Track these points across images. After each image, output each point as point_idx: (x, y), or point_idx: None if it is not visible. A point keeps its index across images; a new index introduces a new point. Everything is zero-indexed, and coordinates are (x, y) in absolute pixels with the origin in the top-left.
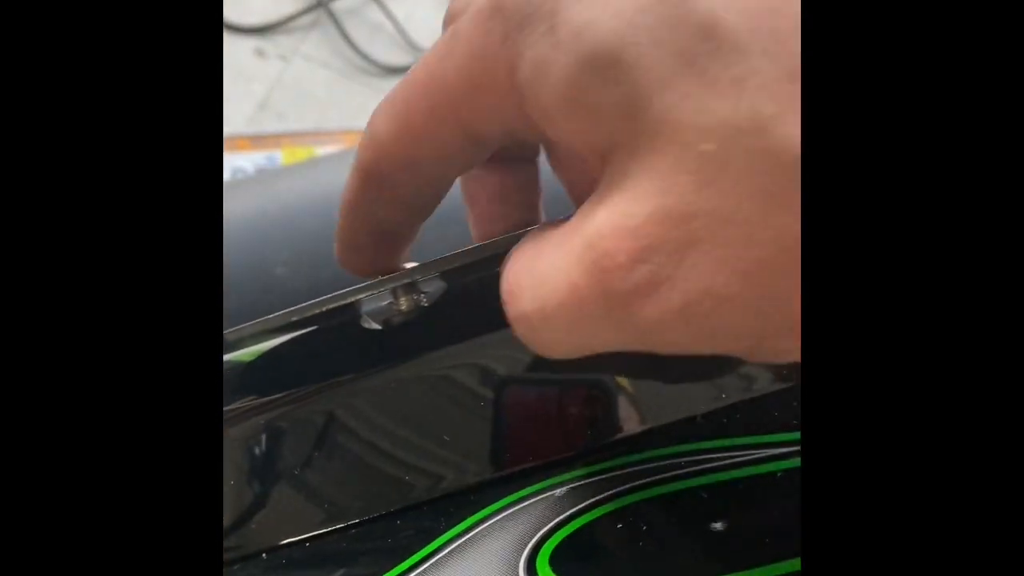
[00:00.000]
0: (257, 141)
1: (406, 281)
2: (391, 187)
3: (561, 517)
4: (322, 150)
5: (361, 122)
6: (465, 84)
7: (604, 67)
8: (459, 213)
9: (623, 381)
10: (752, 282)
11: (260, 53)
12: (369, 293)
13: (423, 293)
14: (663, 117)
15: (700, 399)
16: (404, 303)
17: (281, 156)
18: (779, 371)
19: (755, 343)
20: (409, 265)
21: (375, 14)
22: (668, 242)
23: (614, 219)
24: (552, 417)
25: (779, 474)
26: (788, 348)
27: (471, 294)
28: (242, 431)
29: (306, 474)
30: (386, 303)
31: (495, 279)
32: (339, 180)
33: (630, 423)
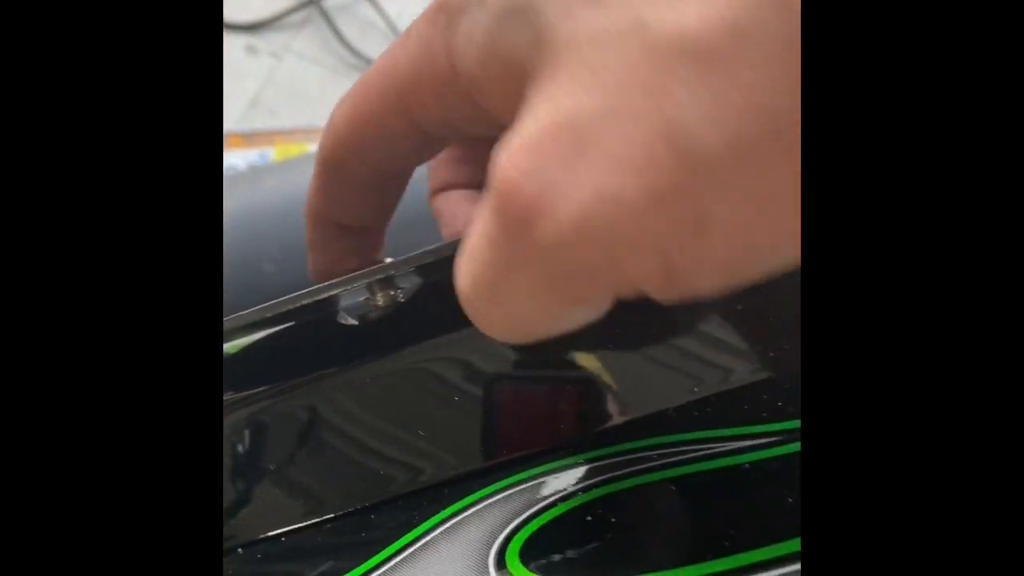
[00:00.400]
0: (249, 138)
1: (382, 276)
2: (348, 179)
3: (532, 511)
4: (314, 147)
5: None
6: (412, 73)
7: (518, 12)
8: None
9: (597, 375)
10: (646, 179)
11: (252, 50)
12: (346, 288)
13: (400, 288)
14: (562, 42)
15: (673, 393)
16: (381, 298)
17: (274, 153)
18: (752, 364)
19: (663, 262)
20: (386, 261)
21: (367, 11)
22: (560, 151)
23: (511, 148)
24: (526, 412)
25: (746, 466)
26: (696, 261)
27: (447, 289)
28: None
29: (282, 469)
30: (363, 298)
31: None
32: None
33: (604, 417)
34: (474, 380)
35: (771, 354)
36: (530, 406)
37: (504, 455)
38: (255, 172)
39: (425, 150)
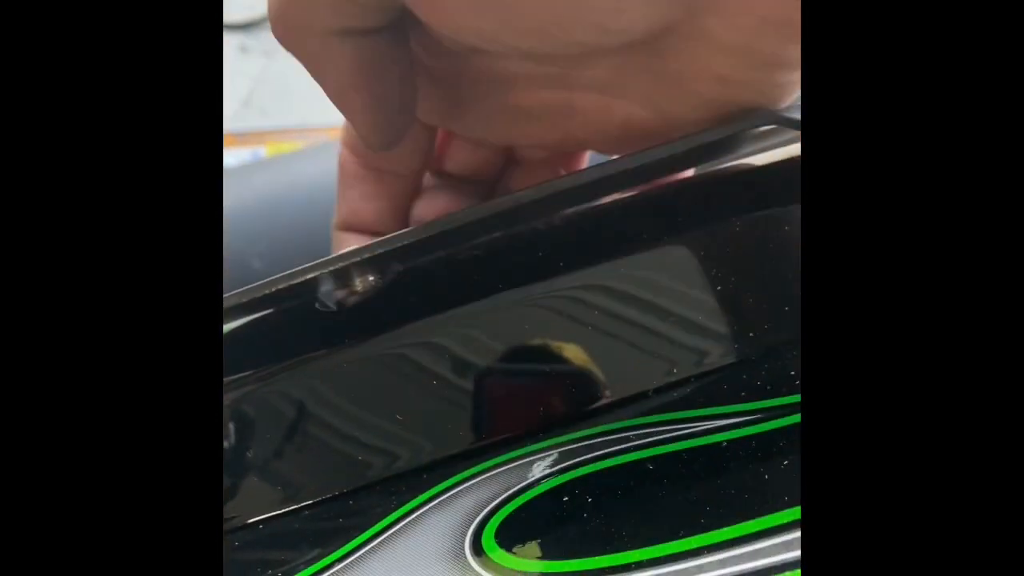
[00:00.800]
0: (242, 138)
1: (359, 259)
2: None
3: (508, 493)
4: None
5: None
6: None
7: None
8: None
9: (574, 360)
10: None
11: (244, 49)
12: (322, 272)
13: (377, 273)
14: None
15: (651, 375)
16: (359, 283)
17: (266, 152)
18: (729, 346)
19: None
20: (362, 245)
21: None
22: None
23: None
24: (503, 397)
25: (724, 444)
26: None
27: (425, 273)
28: None
29: (259, 457)
30: (341, 283)
31: (450, 258)
32: (315, 172)
33: (581, 400)
34: (451, 365)
35: (749, 335)
36: (507, 391)
37: (482, 440)
38: (243, 168)
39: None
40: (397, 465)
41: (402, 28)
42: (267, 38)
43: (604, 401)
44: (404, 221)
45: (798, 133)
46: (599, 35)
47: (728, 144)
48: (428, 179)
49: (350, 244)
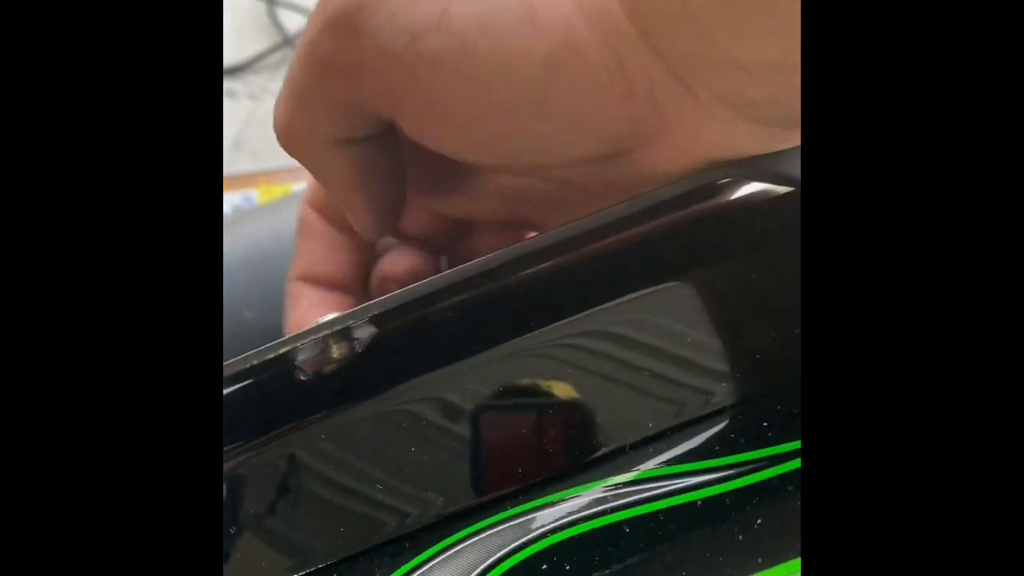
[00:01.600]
0: (233, 181)
1: (337, 328)
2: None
3: (487, 563)
4: (298, 186)
5: None
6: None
7: None
8: None
9: (549, 417)
10: None
11: (231, 94)
12: (300, 343)
13: (355, 339)
14: None
15: (628, 430)
16: (336, 351)
17: (257, 195)
18: (703, 398)
19: None
20: (334, 315)
21: None
22: None
23: None
24: (481, 460)
25: (699, 503)
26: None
27: (403, 336)
28: None
29: (242, 531)
30: (318, 352)
31: (425, 320)
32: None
33: (561, 461)
34: (432, 428)
35: (723, 384)
36: (486, 454)
37: (461, 504)
38: (236, 216)
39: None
40: (383, 532)
41: (393, 133)
42: (252, 81)
43: (580, 461)
44: (362, 276)
45: (758, 184)
46: (559, 158)
47: (685, 198)
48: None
49: (307, 295)
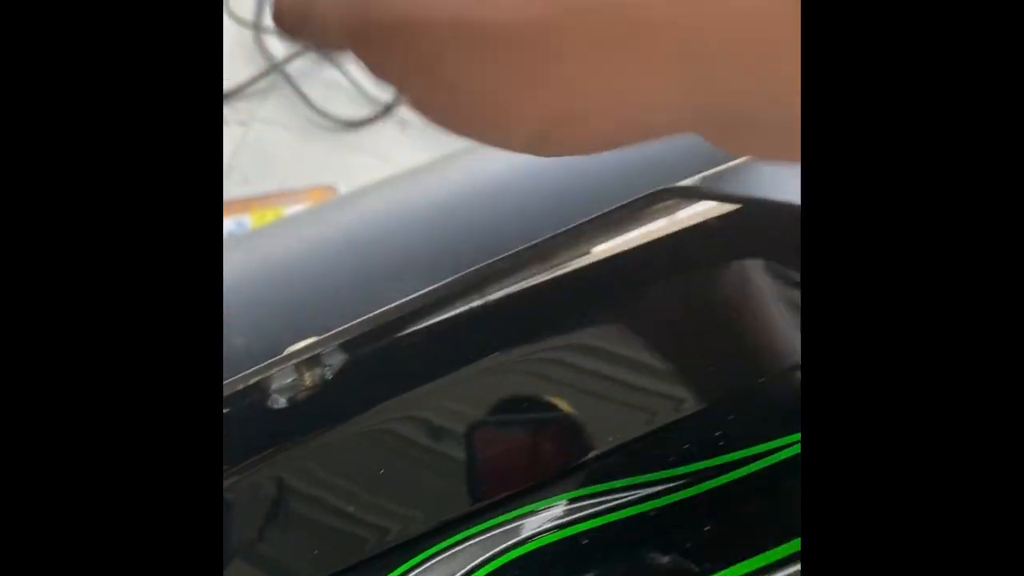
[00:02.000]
0: (225, 207)
1: (308, 356)
2: None
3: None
4: (290, 210)
5: (326, 178)
6: None
7: None
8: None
9: (508, 435)
10: None
11: None
12: (273, 372)
13: (327, 366)
14: None
15: (593, 440)
16: (308, 378)
17: (250, 220)
18: (657, 410)
19: None
20: (309, 341)
21: (330, 71)
22: None
23: None
24: (447, 477)
25: (652, 513)
26: None
27: (372, 362)
28: None
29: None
30: (291, 380)
31: (395, 346)
32: (296, 247)
33: (529, 475)
34: (401, 453)
35: (676, 396)
36: (455, 471)
37: (430, 522)
38: (228, 241)
39: None
40: (364, 550)
41: None
42: (242, 107)
43: (541, 479)
44: None
45: (705, 203)
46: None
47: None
48: None
49: None
